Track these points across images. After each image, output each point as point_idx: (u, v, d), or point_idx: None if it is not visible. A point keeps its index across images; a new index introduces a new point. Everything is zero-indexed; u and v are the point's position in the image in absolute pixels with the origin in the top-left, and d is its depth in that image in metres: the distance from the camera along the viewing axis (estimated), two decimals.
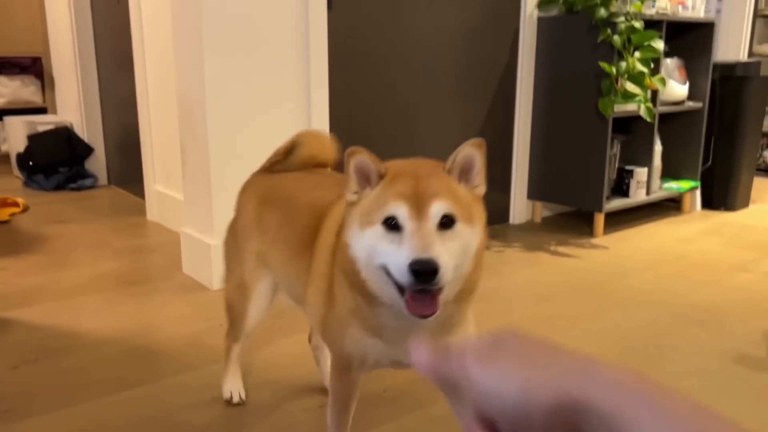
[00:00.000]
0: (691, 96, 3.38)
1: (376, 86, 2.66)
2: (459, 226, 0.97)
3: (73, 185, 3.90)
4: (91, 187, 3.97)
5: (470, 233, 0.99)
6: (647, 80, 2.86)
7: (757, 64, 3.38)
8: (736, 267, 2.61)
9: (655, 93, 3.04)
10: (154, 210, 3.20)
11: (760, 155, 4.59)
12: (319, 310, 1.21)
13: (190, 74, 2.24)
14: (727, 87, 3.43)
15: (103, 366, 1.75)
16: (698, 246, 2.90)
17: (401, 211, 0.96)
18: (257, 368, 1.74)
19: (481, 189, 1.06)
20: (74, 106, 4.13)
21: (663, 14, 3.06)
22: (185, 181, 2.43)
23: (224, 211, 2.29)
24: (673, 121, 3.41)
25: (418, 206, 0.96)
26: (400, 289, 0.96)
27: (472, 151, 1.03)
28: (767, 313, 2.14)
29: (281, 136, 2.42)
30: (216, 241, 2.26)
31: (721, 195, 3.54)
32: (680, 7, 3.19)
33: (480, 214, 1.03)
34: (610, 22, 2.77)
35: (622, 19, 2.75)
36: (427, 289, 0.93)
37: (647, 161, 3.19)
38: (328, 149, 1.47)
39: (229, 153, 2.24)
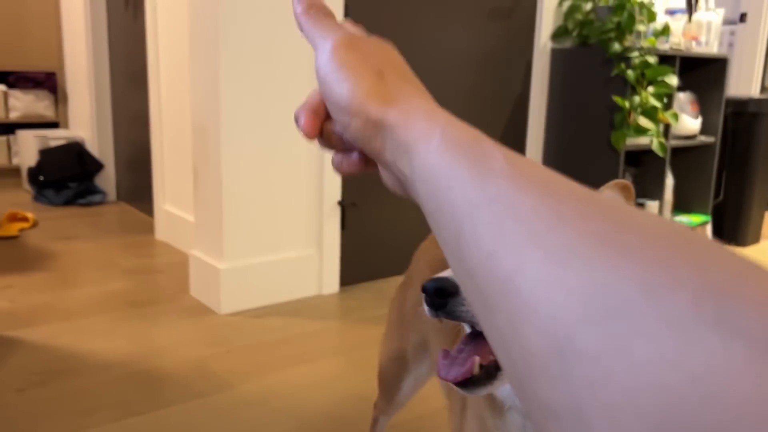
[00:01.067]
0: (704, 130, 3.38)
1: None
2: None
3: (82, 201, 3.91)
4: (101, 203, 3.98)
5: None
6: (660, 115, 2.86)
7: None
8: None
9: (667, 127, 3.04)
10: (162, 229, 3.20)
11: None
12: (454, 420, 0.99)
13: (205, 98, 2.25)
14: (740, 122, 3.42)
15: (109, 390, 1.74)
16: None
17: None
18: (269, 395, 1.72)
19: None
20: (86, 122, 4.15)
21: (676, 50, 3.07)
22: (196, 204, 2.43)
23: (235, 236, 2.30)
24: (685, 155, 3.41)
25: None
26: None
27: (614, 195, 0.78)
28: None
29: (294, 164, 2.43)
30: (225, 265, 2.26)
31: (732, 230, 3.52)
32: (693, 43, 3.20)
33: None
34: (624, 57, 2.77)
35: (636, 53, 2.76)
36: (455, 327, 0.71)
37: (659, 194, 3.18)
38: None
39: (242, 178, 2.24)
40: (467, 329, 0.71)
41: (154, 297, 2.48)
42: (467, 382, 0.69)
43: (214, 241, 2.30)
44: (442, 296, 0.67)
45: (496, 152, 0.33)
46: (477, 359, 0.70)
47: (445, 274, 0.70)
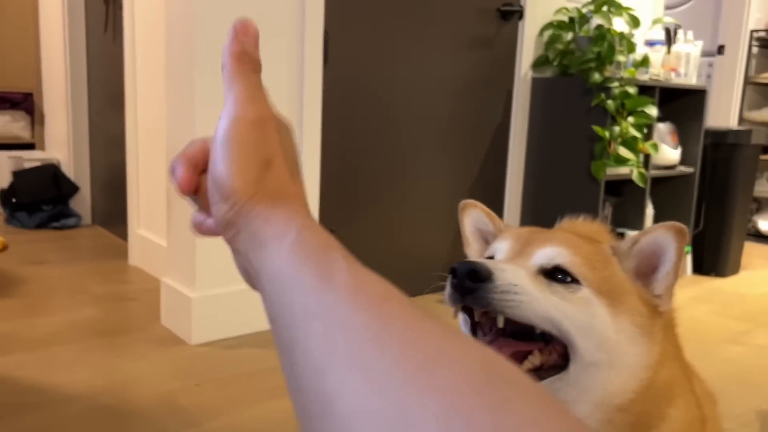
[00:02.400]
0: (683, 161, 3.39)
1: (369, 142, 2.64)
2: (584, 293, 0.67)
3: (56, 224, 3.82)
4: (75, 226, 3.90)
5: (607, 315, 0.67)
6: (640, 145, 2.86)
7: (748, 133, 3.41)
8: (727, 339, 2.56)
9: (647, 157, 3.04)
10: (136, 255, 3.13)
11: (750, 221, 4.60)
12: None
13: (180, 121, 2.20)
14: (719, 153, 3.44)
15: (71, 426, 1.66)
16: (689, 314, 2.86)
17: (502, 246, 0.72)
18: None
19: (665, 302, 0.72)
20: (62, 143, 4.08)
21: (656, 80, 3.09)
22: (169, 229, 2.37)
23: (208, 264, 2.24)
24: (664, 185, 3.41)
25: (527, 244, 0.70)
26: None
27: (664, 238, 0.71)
28: (760, 389, 2.09)
29: None
30: (197, 293, 2.20)
31: (711, 260, 3.52)
32: (673, 74, 3.22)
33: (641, 316, 0.69)
34: (604, 87, 2.78)
35: (616, 84, 2.76)
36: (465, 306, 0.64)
37: (639, 224, 3.17)
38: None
39: None
40: (500, 322, 0.65)
41: (124, 326, 2.41)
42: None
43: (186, 269, 2.24)
44: (475, 280, 0.61)
45: (342, 263, 0.35)
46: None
47: (479, 259, 0.66)
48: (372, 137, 2.64)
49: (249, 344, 2.25)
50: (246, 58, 0.44)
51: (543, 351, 0.67)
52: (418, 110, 2.76)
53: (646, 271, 0.71)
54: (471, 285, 0.61)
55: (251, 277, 0.41)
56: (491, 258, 0.73)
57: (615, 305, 0.68)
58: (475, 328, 0.69)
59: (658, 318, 0.71)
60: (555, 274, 0.68)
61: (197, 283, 2.20)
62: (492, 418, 0.24)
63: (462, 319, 0.70)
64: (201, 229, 0.46)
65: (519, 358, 0.66)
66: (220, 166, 0.41)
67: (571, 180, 2.96)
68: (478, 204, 0.83)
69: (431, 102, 2.80)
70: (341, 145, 2.54)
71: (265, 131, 0.42)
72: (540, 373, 0.66)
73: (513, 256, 0.70)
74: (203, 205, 0.44)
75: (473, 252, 0.83)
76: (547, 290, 0.66)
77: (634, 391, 0.68)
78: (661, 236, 0.71)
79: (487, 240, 0.82)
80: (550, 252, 0.68)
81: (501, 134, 3.07)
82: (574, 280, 0.67)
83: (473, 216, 0.83)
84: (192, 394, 1.86)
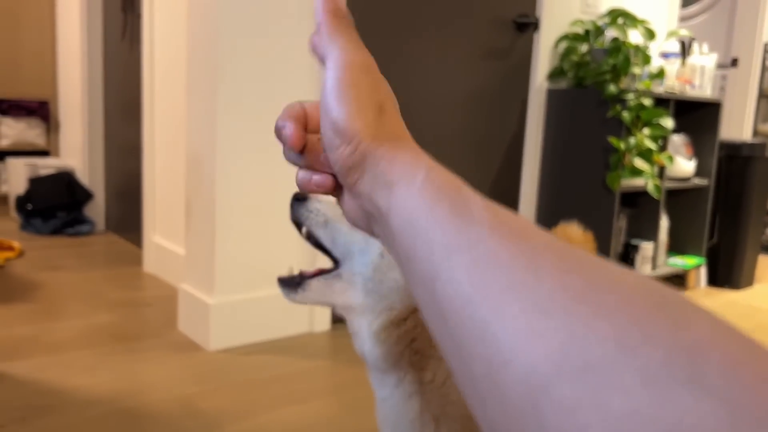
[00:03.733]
0: (698, 173, 3.39)
1: None
2: None
3: (70, 230, 3.85)
4: (89, 233, 3.92)
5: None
6: (655, 157, 2.86)
7: (763, 146, 3.41)
8: None
9: (662, 169, 3.05)
10: (151, 262, 3.14)
11: (764, 234, 4.59)
12: None
13: (201, 130, 2.22)
14: (733, 166, 3.44)
15: (92, 428, 1.67)
16: None
17: None
18: None
19: None
20: (78, 151, 4.12)
21: (671, 92, 3.09)
22: (188, 236, 2.38)
23: (226, 270, 2.26)
24: (679, 197, 3.41)
25: None
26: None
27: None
28: None
29: (285, 199, 2.40)
30: (216, 300, 2.21)
31: (725, 272, 3.51)
32: (687, 86, 3.23)
33: None
34: (619, 99, 2.79)
35: (631, 95, 2.77)
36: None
37: (653, 236, 3.17)
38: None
39: (235, 211, 2.21)
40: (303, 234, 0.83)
41: (141, 331, 2.42)
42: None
43: (204, 275, 2.26)
44: (297, 199, 0.81)
45: (477, 200, 0.34)
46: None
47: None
48: None
49: (267, 351, 2.26)
50: (341, 13, 0.45)
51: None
52: (433, 121, 2.77)
53: None
54: (294, 203, 0.82)
55: (371, 220, 0.40)
56: None
57: None
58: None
59: None
60: None
61: (216, 290, 2.21)
62: (670, 333, 0.24)
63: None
64: (308, 186, 0.46)
65: None
66: (337, 109, 0.40)
67: (586, 191, 2.96)
68: None
69: (446, 112, 2.81)
70: None
71: (375, 76, 0.44)
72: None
73: None
74: (310, 162, 0.45)
75: None
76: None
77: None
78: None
79: None
80: None
81: (516, 145, 3.08)
82: None
83: None
84: (211, 399, 1.86)
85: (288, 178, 2.30)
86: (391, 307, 0.76)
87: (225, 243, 2.19)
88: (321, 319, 2.48)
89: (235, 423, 1.73)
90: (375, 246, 0.78)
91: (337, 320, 2.54)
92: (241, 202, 2.21)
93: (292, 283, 0.81)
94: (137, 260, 3.27)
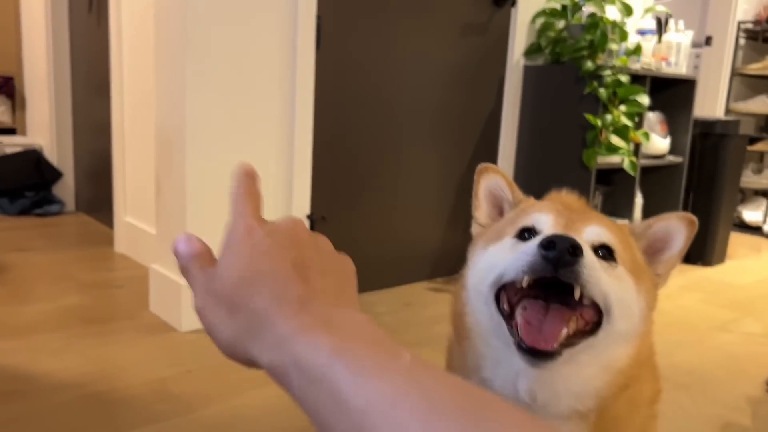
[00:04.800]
0: (672, 150, 3.40)
1: (361, 128, 2.61)
2: (620, 270, 0.72)
3: (38, 210, 3.75)
4: (58, 213, 3.83)
5: (634, 290, 0.72)
6: (631, 134, 2.86)
7: (736, 123, 3.43)
8: (716, 327, 2.58)
9: (637, 146, 3.05)
10: (122, 242, 3.08)
11: (736, 211, 4.64)
12: None
13: (170, 107, 2.16)
14: (707, 143, 3.46)
15: (60, 415, 1.63)
16: (678, 302, 2.88)
17: (544, 219, 0.74)
18: (233, 420, 1.63)
19: (662, 282, 0.79)
20: (45, 129, 4.00)
21: (647, 69, 3.09)
22: (158, 215, 2.33)
23: None
24: (654, 174, 3.42)
25: (570, 220, 0.74)
26: (510, 315, 0.70)
27: (676, 226, 0.78)
28: (750, 377, 2.11)
29: (262, 175, 2.34)
30: None
31: (698, 249, 3.55)
32: (663, 63, 3.23)
33: (651, 295, 0.76)
34: (596, 75, 2.77)
35: (608, 72, 2.76)
36: (557, 279, 0.65)
37: (628, 213, 3.18)
38: None
39: (206, 189, 2.15)
40: (577, 294, 0.67)
41: (112, 313, 2.37)
42: (546, 354, 0.66)
43: None
44: (574, 254, 0.64)
45: (403, 352, 0.35)
46: (564, 331, 0.67)
47: (566, 234, 0.68)
48: (364, 124, 2.62)
49: None
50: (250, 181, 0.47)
51: (577, 318, 0.70)
52: (410, 97, 2.73)
53: (652, 252, 0.79)
54: (569, 259, 0.64)
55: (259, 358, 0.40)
56: (531, 229, 0.75)
57: (638, 283, 0.74)
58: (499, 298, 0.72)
59: (655, 290, 0.79)
60: (598, 251, 0.72)
61: None
62: None
63: (488, 299, 0.72)
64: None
65: (559, 323, 0.68)
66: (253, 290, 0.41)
67: (562, 168, 2.95)
68: (499, 170, 0.85)
69: (423, 88, 2.77)
70: (333, 132, 2.51)
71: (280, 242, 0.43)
72: (570, 339, 0.69)
73: (561, 227, 0.73)
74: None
75: (482, 215, 0.85)
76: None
77: (631, 356, 0.74)
78: (674, 224, 0.78)
79: (500, 206, 0.84)
80: (597, 230, 0.73)
81: (492, 121, 3.06)
82: (613, 258, 0.72)
83: (490, 180, 0.85)
84: (184, 382, 1.83)
85: (260, 153, 2.25)
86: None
87: (196, 220, 2.14)
88: None
89: (209, 406, 1.70)
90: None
91: None
92: (212, 178, 2.16)
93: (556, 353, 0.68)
94: (108, 240, 3.20)
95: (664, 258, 0.79)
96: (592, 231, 0.73)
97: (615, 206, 3.20)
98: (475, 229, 0.85)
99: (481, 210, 0.85)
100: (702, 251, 3.54)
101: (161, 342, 2.11)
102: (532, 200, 0.82)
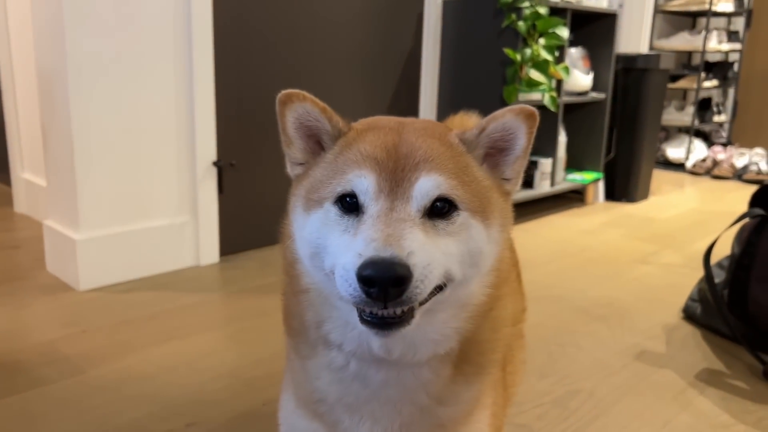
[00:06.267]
0: (595, 87, 3.37)
1: (270, 70, 2.45)
2: (463, 218, 0.64)
3: None
4: None
5: (482, 232, 0.65)
6: (552, 69, 2.80)
7: (657, 57, 3.41)
8: (636, 259, 2.59)
9: (559, 83, 2.99)
10: (21, 200, 2.86)
11: (659, 149, 4.70)
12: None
13: (49, 44, 1.96)
14: (629, 79, 3.44)
15: None
16: (600, 238, 2.88)
17: (364, 184, 0.63)
18: (125, 378, 1.51)
19: (513, 185, 0.72)
20: None
21: (567, 2, 3.01)
22: (47, 167, 2.15)
23: (91, 202, 2.04)
24: (577, 112, 3.39)
25: (395, 178, 0.63)
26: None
27: (514, 123, 0.68)
28: (667, 305, 2.11)
29: (161, 117, 2.18)
30: (82, 235, 2.01)
31: (622, 187, 3.56)
32: None
33: (504, 213, 0.70)
34: (514, 7, 2.68)
35: (527, 4, 2.67)
36: (386, 316, 0.59)
37: (551, 152, 3.15)
38: None
39: (97, 134, 1.98)
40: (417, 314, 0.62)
41: (6, 275, 2.19)
42: (393, 324, 0.60)
43: (68, 209, 2.04)
44: (400, 285, 0.56)
45: None
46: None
47: (389, 252, 0.56)
48: (273, 67, 2.46)
49: (147, 288, 2.09)
50: None
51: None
52: (322, 39, 2.58)
53: (495, 153, 0.70)
54: (395, 290, 0.56)
55: None
56: (349, 195, 0.64)
57: (486, 218, 0.67)
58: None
59: (507, 202, 0.72)
60: (435, 205, 0.63)
61: (81, 225, 2.01)
62: None
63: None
64: None
65: None
66: None
67: (484, 106, 2.84)
68: (309, 96, 0.69)
69: (339, 26, 2.62)
70: (238, 78, 2.35)
71: None
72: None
73: (386, 202, 0.62)
74: None
75: (296, 152, 0.71)
76: (433, 234, 0.62)
77: (489, 283, 0.69)
78: (510, 121, 0.68)
79: (317, 137, 0.71)
80: (429, 183, 0.63)
81: (413, 59, 2.94)
82: (453, 207, 0.64)
83: (299, 110, 0.70)
84: (77, 342, 1.70)
85: (158, 91, 2.07)
86: None
87: (87, 170, 1.97)
88: (208, 251, 2.32)
89: (101, 366, 1.58)
90: None
91: (226, 252, 2.39)
92: (103, 121, 1.98)
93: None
94: (7, 200, 2.98)
95: (509, 160, 0.70)
96: (423, 185, 0.62)
97: (538, 145, 3.15)
98: (292, 169, 0.73)
99: (294, 146, 0.71)
100: (626, 188, 3.56)
101: (57, 302, 1.96)
102: (354, 132, 0.69)
